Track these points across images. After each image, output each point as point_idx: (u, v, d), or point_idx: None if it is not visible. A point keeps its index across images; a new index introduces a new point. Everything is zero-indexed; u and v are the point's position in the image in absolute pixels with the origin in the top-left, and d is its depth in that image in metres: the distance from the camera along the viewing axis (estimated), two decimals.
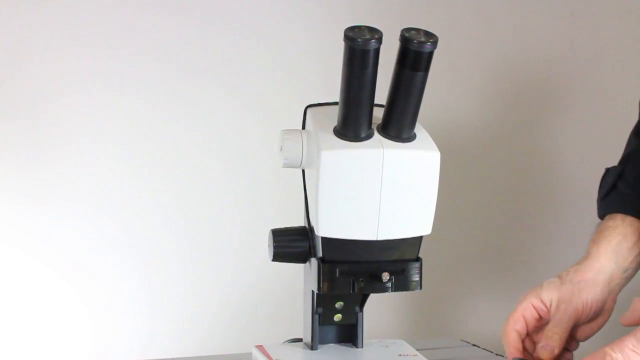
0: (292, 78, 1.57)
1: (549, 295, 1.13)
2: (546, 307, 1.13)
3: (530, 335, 1.14)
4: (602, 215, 1.23)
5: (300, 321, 1.13)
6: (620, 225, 1.18)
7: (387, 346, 1.12)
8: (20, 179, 1.47)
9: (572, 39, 1.73)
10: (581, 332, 1.14)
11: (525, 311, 1.13)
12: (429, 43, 0.93)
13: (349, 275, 1.00)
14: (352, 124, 0.96)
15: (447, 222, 1.64)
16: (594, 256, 1.16)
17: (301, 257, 1.05)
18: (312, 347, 1.10)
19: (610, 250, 1.16)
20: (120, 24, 1.50)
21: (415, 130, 0.99)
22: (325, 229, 0.98)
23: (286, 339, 1.17)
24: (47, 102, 1.47)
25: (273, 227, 1.06)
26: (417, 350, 1.11)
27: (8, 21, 1.45)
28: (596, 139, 1.69)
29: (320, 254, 1.01)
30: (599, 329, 1.13)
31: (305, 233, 1.04)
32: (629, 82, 1.69)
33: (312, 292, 1.07)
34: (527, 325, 1.12)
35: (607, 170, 1.26)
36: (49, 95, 1.47)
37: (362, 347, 1.11)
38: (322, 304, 1.08)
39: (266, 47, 1.56)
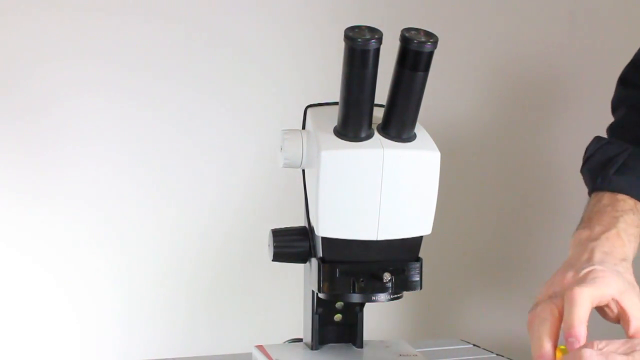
0: (292, 78, 1.57)
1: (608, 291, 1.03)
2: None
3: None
4: (612, 190, 1.15)
5: (300, 321, 1.13)
6: (634, 209, 1.13)
7: (387, 346, 1.12)
8: (19, 180, 1.47)
9: (572, 39, 1.73)
10: None
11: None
12: (429, 43, 0.93)
13: (349, 275, 1.00)
14: (352, 124, 0.96)
15: (447, 222, 1.64)
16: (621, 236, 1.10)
17: (301, 257, 1.05)
18: (312, 347, 1.10)
19: (632, 235, 1.11)
20: (120, 27, 1.50)
21: (415, 130, 0.99)
22: (325, 229, 0.98)
23: (286, 339, 1.18)
24: (48, 106, 1.47)
25: (273, 227, 1.06)
26: (417, 350, 1.11)
27: (11, 27, 1.45)
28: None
29: (320, 254, 1.01)
30: None
31: (305, 233, 1.04)
32: None
33: (312, 292, 1.07)
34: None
35: (609, 141, 1.22)
36: (50, 99, 1.47)
37: (362, 347, 1.11)
38: (322, 304, 1.09)
39: (266, 47, 1.56)
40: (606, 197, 1.14)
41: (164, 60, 1.52)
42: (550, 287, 1.04)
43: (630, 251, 1.09)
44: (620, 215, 1.11)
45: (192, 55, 1.53)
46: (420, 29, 0.94)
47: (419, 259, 1.02)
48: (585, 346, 0.92)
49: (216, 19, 1.54)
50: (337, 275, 1.00)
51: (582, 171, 1.24)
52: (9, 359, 1.49)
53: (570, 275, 1.03)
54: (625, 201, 1.13)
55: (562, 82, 1.73)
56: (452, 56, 1.65)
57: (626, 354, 0.90)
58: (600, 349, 0.91)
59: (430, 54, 0.94)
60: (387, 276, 1.00)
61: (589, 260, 1.05)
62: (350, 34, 0.92)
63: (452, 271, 1.68)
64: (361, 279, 1.00)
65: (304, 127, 1.04)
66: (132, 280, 1.53)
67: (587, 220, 1.13)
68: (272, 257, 1.06)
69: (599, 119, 1.70)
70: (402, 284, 1.01)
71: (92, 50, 1.48)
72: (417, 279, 1.02)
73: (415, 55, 0.93)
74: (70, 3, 1.47)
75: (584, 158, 1.24)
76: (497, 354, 1.22)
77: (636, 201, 1.14)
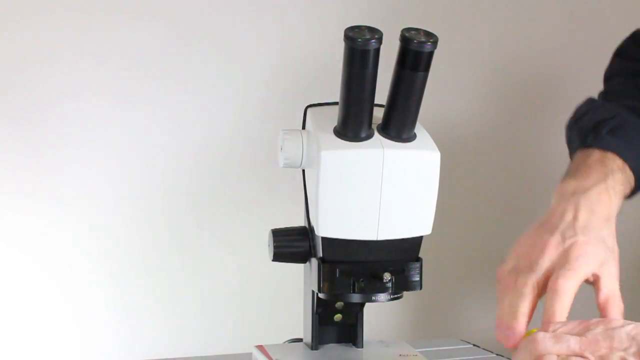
0: (292, 78, 1.57)
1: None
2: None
3: None
4: (603, 148, 1.13)
5: (300, 321, 1.13)
6: (622, 169, 1.11)
7: (387, 346, 1.12)
8: (19, 180, 1.47)
9: (572, 39, 1.73)
10: None
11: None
12: (429, 43, 0.93)
13: (349, 275, 1.00)
14: (352, 124, 0.96)
15: (447, 222, 1.64)
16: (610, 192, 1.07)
17: (301, 257, 1.05)
18: (312, 347, 1.10)
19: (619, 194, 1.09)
20: (120, 28, 1.50)
21: (415, 130, 0.99)
22: (325, 229, 0.98)
23: (286, 339, 1.18)
24: (48, 107, 1.47)
25: (273, 227, 1.06)
26: (417, 350, 1.11)
27: (12, 28, 1.45)
28: None
29: (320, 254, 1.01)
30: None
31: (305, 233, 1.04)
32: None
33: (312, 292, 1.07)
34: None
35: (603, 104, 1.21)
36: (50, 100, 1.47)
37: (362, 347, 1.11)
38: (322, 304, 1.09)
39: (266, 47, 1.56)
40: (596, 153, 1.13)
41: (163, 61, 1.52)
42: (532, 251, 1.03)
43: (615, 209, 1.08)
44: (610, 172, 1.10)
45: (192, 56, 1.53)
46: (420, 29, 0.94)
47: (419, 259, 1.02)
48: (541, 329, 0.93)
49: (216, 18, 1.54)
50: (337, 275, 1.00)
51: (569, 128, 1.22)
52: (9, 359, 1.49)
53: (553, 243, 1.02)
54: (614, 160, 1.12)
55: (562, 82, 1.73)
56: (452, 56, 1.65)
57: (580, 334, 0.89)
58: (556, 328, 0.91)
59: (430, 54, 0.94)
60: (387, 276, 1.00)
61: (574, 223, 1.03)
62: (350, 34, 0.92)
63: (452, 271, 1.68)
64: (361, 279, 1.00)
65: (304, 127, 1.04)
66: (132, 280, 1.53)
67: (573, 172, 1.11)
68: (272, 257, 1.06)
69: None
70: (402, 284, 1.01)
71: (93, 51, 1.48)
72: (417, 279, 1.02)
73: (415, 55, 0.93)
74: (70, 5, 1.47)
75: (572, 117, 1.22)
76: (497, 354, 1.22)
77: (624, 163, 1.12)
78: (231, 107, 1.56)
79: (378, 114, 0.98)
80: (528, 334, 0.96)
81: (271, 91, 1.56)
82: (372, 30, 0.92)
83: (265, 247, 1.08)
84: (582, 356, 0.86)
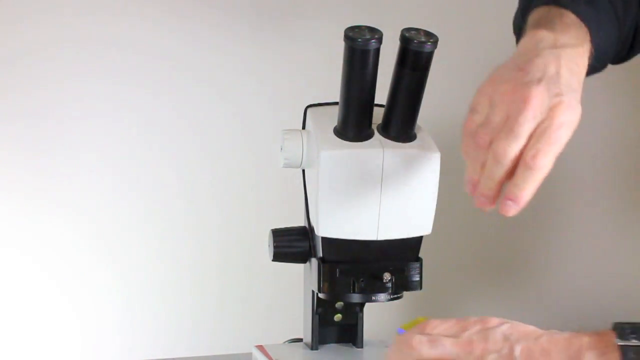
0: (292, 78, 1.57)
1: None
2: None
3: None
4: (579, 14, 1.00)
5: (300, 321, 1.13)
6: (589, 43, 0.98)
7: (387, 346, 1.12)
8: (20, 181, 1.47)
9: None
10: None
11: None
12: (429, 43, 0.93)
13: (349, 275, 1.00)
14: (352, 124, 0.97)
15: (447, 222, 1.64)
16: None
17: (301, 257, 1.05)
18: (312, 347, 1.10)
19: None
20: (120, 29, 1.50)
21: (415, 130, 0.99)
22: (325, 229, 0.98)
23: (286, 339, 1.18)
24: (48, 107, 1.47)
25: (273, 227, 1.06)
26: None
27: (11, 28, 1.45)
28: (598, 138, 1.69)
29: (320, 254, 1.01)
30: None
31: (305, 233, 1.04)
32: (630, 81, 1.69)
33: (312, 292, 1.07)
34: None
35: None
36: (50, 100, 1.47)
37: (362, 347, 1.11)
38: (322, 304, 1.09)
39: (266, 47, 1.56)
40: (570, 16, 1.00)
41: (163, 63, 1.52)
42: (511, 101, 0.88)
43: (582, 78, 0.97)
44: (584, 41, 0.98)
45: (191, 56, 1.53)
46: (420, 29, 0.94)
47: (419, 259, 1.02)
48: (417, 328, 0.90)
49: (215, 18, 1.54)
50: (337, 275, 1.00)
51: None
52: (9, 359, 1.49)
53: (538, 96, 0.87)
54: (587, 33, 0.99)
55: None
56: (452, 56, 1.65)
57: (455, 336, 0.87)
58: (433, 328, 0.89)
59: (430, 54, 0.94)
60: (387, 276, 1.00)
61: (558, 79, 0.90)
62: (350, 34, 0.92)
63: (452, 271, 1.68)
64: (361, 279, 1.00)
65: (304, 127, 1.04)
66: (132, 280, 1.53)
67: (548, 25, 0.97)
68: (272, 257, 1.06)
69: (599, 119, 1.70)
70: (402, 284, 1.01)
71: (93, 51, 1.48)
72: (417, 279, 1.02)
73: (415, 55, 0.93)
74: (70, 5, 1.47)
75: None
76: None
77: (591, 41, 1.00)
78: (231, 107, 1.55)
79: (378, 114, 0.98)
80: (414, 322, 0.93)
81: (271, 91, 1.56)
82: (372, 30, 0.93)
83: (265, 247, 1.08)
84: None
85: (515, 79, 0.89)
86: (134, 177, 1.52)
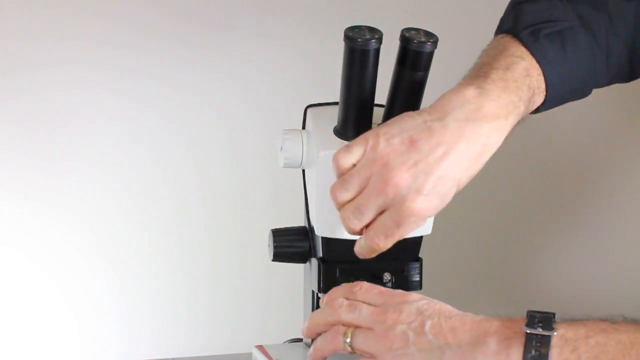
0: (292, 78, 1.57)
1: None
2: None
3: None
4: (534, 53, 0.99)
5: (300, 321, 1.13)
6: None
7: None
8: (20, 181, 1.47)
9: None
10: None
11: None
12: (429, 43, 0.93)
13: (349, 275, 1.00)
14: (352, 124, 0.97)
15: (447, 222, 1.63)
16: None
17: (301, 257, 1.05)
18: None
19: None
20: (120, 29, 1.50)
21: None
22: (325, 229, 0.98)
23: (286, 339, 1.18)
24: (48, 108, 1.47)
25: (273, 227, 1.06)
26: None
27: (12, 29, 1.45)
28: (598, 138, 1.69)
29: (320, 254, 1.01)
30: None
31: (305, 233, 1.04)
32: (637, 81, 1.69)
33: (312, 292, 1.07)
34: None
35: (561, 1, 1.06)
36: (49, 101, 1.47)
37: None
38: None
39: (266, 46, 1.56)
40: (524, 53, 1.00)
41: (164, 62, 1.52)
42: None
43: (479, 162, 1.01)
44: (520, 97, 0.96)
45: (191, 56, 1.53)
46: (420, 29, 0.94)
47: (419, 259, 1.02)
48: (345, 289, 0.91)
49: (215, 17, 1.54)
50: (337, 275, 1.00)
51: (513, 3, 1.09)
52: (9, 359, 1.49)
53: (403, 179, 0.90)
54: (531, 77, 0.98)
55: None
56: (452, 56, 1.64)
57: (377, 304, 0.88)
58: (359, 292, 0.90)
59: (430, 54, 0.94)
60: (387, 276, 1.00)
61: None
62: (350, 34, 0.92)
63: (452, 271, 1.68)
64: (361, 279, 1.00)
65: (304, 127, 1.04)
66: (131, 280, 1.53)
67: (489, 73, 0.97)
68: (272, 257, 1.06)
69: (599, 119, 1.70)
70: (402, 284, 1.01)
71: (94, 51, 1.48)
72: (417, 279, 1.02)
73: (415, 55, 0.93)
74: (71, 6, 1.47)
75: None
76: None
77: (544, 77, 1.00)
78: (231, 107, 1.55)
79: (378, 114, 0.98)
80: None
81: (271, 91, 1.56)
82: (372, 30, 0.93)
83: (265, 247, 1.08)
84: (368, 327, 0.86)
85: (403, 156, 0.89)
86: (134, 178, 1.52)
